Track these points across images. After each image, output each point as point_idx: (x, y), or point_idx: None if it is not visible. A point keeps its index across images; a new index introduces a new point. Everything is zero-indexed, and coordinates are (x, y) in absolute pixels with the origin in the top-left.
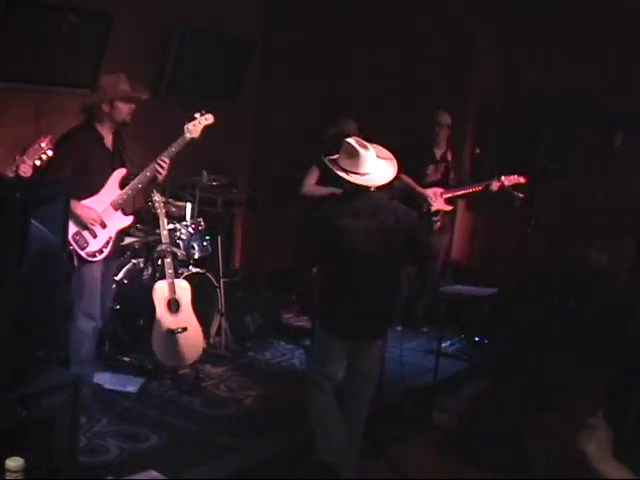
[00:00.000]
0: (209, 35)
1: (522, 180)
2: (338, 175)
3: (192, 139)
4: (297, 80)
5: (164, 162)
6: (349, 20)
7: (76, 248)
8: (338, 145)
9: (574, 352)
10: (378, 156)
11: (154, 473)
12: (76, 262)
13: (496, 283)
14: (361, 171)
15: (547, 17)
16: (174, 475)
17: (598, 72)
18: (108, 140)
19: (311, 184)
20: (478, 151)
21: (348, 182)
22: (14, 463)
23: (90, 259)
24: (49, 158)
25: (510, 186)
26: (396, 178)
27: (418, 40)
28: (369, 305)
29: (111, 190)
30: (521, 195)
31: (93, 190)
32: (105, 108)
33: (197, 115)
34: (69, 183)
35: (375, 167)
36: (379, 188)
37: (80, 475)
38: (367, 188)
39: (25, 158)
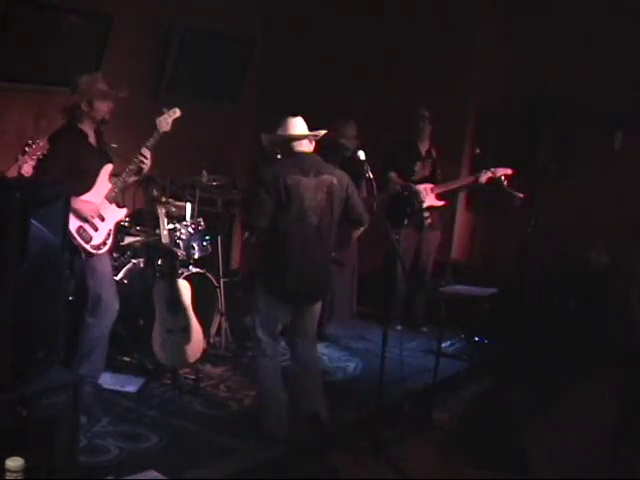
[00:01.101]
0: (209, 35)
1: (509, 171)
2: (272, 143)
3: (164, 133)
4: (297, 80)
5: (145, 155)
6: (349, 20)
7: (81, 242)
8: (336, 147)
9: (574, 352)
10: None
11: (154, 473)
12: (84, 259)
13: (496, 283)
14: (290, 132)
15: (547, 17)
16: (174, 475)
17: (598, 72)
18: (92, 138)
19: None
20: (478, 151)
21: (279, 142)
22: (14, 463)
23: (96, 252)
24: (38, 160)
25: (506, 180)
26: (389, 178)
27: (418, 40)
28: (316, 267)
29: (103, 185)
30: (521, 195)
31: (84, 188)
32: (84, 107)
33: (165, 110)
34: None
35: (303, 128)
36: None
37: (80, 475)
38: (314, 155)
39: (27, 158)
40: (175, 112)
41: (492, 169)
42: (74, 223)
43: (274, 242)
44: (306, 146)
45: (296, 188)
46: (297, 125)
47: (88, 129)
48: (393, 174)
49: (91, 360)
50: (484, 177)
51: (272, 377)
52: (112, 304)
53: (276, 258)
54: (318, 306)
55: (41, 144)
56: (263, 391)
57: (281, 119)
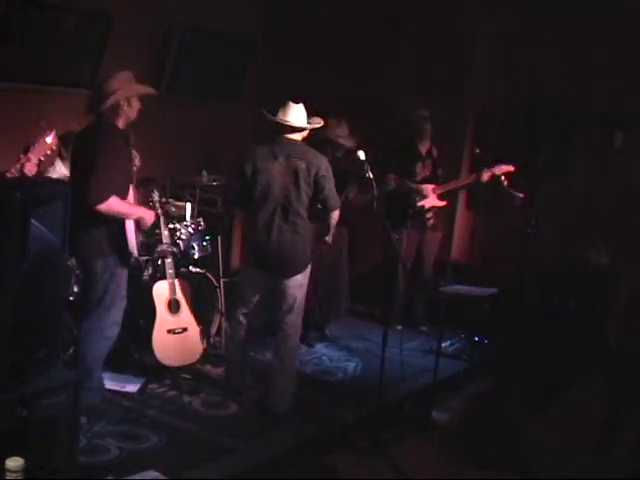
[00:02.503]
0: (209, 35)
1: (511, 168)
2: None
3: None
4: (297, 80)
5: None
6: (349, 20)
7: (135, 254)
8: (327, 147)
9: (574, 352)
10: (308, 118)
11: (154, 473)
12: (119, 271)
13: (496, 283)
14: (284, 117)
15: (547, 17)
16: (174, 475)
17: (598, 72)
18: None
19: None
20: (478, 151)
21: (272, 122)
22: (14, 463)
23: (134, 261)
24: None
25: (506, 178)
26: (387, 178)
27: (418, 40)
28: (283, 243)
29: (133, 188)
30: (521, 195)
31: (127, 190)
32: (125, 107)
33: None
34: (118, 185)
35: (298, 118)
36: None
37: (80, 475)
38: (291, 139)
39: (30, 156)
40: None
41: (493, 167)
42: (135, 235)
43: (249, 220)
44: (296, 132)
45: (264, 171)
46: (291, 114)
47: (125, 129)
48: (391, 175)
49: (98, 371)
50: (485, 176)
51: (236, 341)
52: (118, 317)
53: (250, 232)
54: (293, 283)
55: (48, 140)
56: (228, 350)
57: (284, 100)
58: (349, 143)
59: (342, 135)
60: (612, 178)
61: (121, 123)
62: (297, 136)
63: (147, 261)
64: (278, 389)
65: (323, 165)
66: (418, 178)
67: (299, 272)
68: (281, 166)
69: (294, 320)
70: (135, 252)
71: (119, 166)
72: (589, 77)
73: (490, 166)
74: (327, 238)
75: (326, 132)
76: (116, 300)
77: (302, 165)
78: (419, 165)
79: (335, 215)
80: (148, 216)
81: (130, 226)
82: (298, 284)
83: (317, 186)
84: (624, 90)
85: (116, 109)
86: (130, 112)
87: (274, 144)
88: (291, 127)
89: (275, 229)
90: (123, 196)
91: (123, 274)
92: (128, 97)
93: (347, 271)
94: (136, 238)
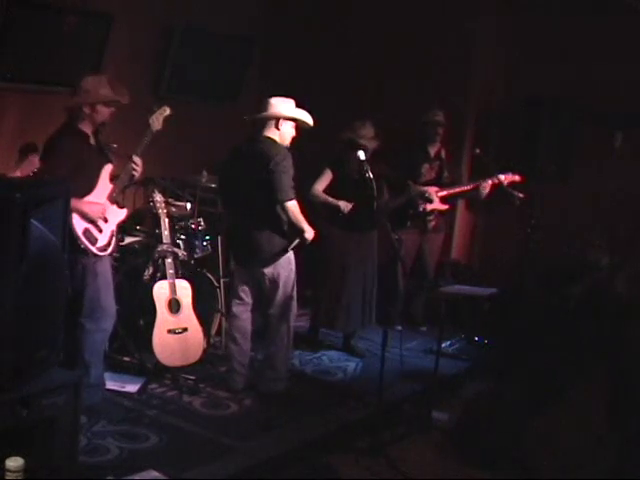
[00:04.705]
0: (209, 35)
1: (517, 178)
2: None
3: (157, 131)
4: (297, 80)
5: (136, 162)
6: (349, 20)
7: (88, 245)
8: (352, 149)
9: (574, 352)
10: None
11: (154, 473)
12: (86, 262)
13: (496, 283)
14: (262, 113)
15: (547, 17)
16: (174, 475)
17: (598, 72)
18: (91, 138)
19: (318, 189)
20: (478, 151)
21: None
22: (14, 463)
23: (101, 254)
24: (43, 163)
25: (508, 185)
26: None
27: (418, 40)
28: (247, 238)
29: (104, 185)
30: (521, 195)
31: (88, 188)
32: (86, 110)
33: (155, 108)
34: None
35: (265, 111)
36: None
37: (80, 475)
38: (264, 137)
39: (18, 173)
40: (165, 110)
41: (497, 176)
42: (80, 225)
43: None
44: (269, 129)
45: (233, 169)
46: (262, 108)
47: (87, 129)
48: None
49: (97, 367)
50: (486, 186)
51: (236, 330)
52: (110, 307)
53: (229, 231)
54: (266, 276)
55: (36, 160)
56: (229, 333)
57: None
58: (373, 144)
59: (366, 136)
60: (612, 178)
61: (86, 125)
62: (271, 133)
63: (147, 261)
64: (265, 377)
65: (275, 158)
66: (423, 179)
67: (268, 265)
68: (245, 164)
69: (278, 313)
70: (86, 243)
71: (65, 165)
72: (589, 77)
73: (493, 174)
74: (306, 235)
75: (350, 134)
76: (100, 290)
77: (259, 160)
78: (425, 166)
79: (288, 208)
80: (89, 209)
81: (75, 220)
82: (271, 276)
83: (268, 178)
84: (624, 90)
85: (79, 112)
86: (96, 116)
87: (248, 142)
88: (259, 122)
89: (240, 225)
90: (78, 193)
91: (97, 264)
92: (91, 103)
93: (373, 285)
94: (90, 230)
